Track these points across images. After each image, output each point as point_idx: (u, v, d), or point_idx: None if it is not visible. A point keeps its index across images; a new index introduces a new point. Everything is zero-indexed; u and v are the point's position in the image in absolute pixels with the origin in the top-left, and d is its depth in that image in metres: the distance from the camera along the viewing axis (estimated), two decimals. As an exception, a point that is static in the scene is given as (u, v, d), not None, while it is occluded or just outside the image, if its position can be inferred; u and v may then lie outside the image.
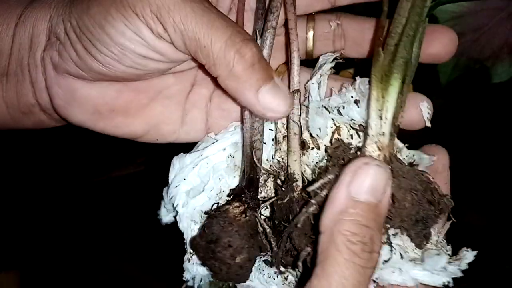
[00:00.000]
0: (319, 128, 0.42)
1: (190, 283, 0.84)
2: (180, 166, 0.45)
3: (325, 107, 0.43)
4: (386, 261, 0.38)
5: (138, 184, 0.90)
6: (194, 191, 0.44)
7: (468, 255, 0.39)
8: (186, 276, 0.44)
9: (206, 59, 0.36)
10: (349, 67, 0.57)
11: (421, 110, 0.42)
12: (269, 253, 0.41)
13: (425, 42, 0.41)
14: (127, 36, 0.36)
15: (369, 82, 0.40)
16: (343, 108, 0.42)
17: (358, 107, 0.41)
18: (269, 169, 0.44)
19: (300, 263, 0.38)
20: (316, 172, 0.41)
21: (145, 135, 0.45)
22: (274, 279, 0.42)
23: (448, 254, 0.39)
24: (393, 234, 0.39)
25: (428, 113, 0.42)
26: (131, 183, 0.90)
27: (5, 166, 0.83)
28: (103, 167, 0.92)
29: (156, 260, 0.84)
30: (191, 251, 0.42)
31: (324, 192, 0.37)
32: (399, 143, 0.41)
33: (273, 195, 0.44)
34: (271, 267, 0.42)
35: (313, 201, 0.37)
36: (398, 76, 0.38)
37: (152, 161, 0.92)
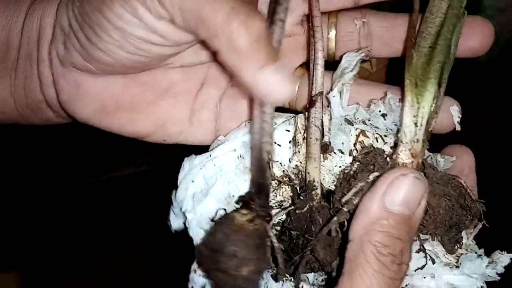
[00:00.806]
0: (342, 143, 0.40)
1: (190, 283, 0.84)
2: (189, 167, 0.43)
3: (348, 120, 0.41)
4: (420, 268, 0.37)
5: (138, 184, 0.91)
6: (199, 195, 0.42)
7: (504, 258, 0.38)
8: (191, 286, 0.42)
9: (206, 32, 0.32)
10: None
11: (451, 114, 0.41)
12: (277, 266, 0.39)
13: (463, 35, 0.39)
14: (125, 19, 0.34)
15: (402, 86, 0.38)
16: (368, 120, 0.41)
17: (385, 119, 0.40)
18: (283, 174, 0.41)
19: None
20: (342, 178, 0.39)
21: (152, 135, 0.43)
22: None
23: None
24: (424, 239, 0.38)
25: (459, 116, 0.41)
26: (131, 183, 0.90)
27: (5, 165, 0.83)
28: (103, 167, 0.92)
29: (156, 260, 0.84)
30: (196, 266, 0.41)
31: (356, 200, 0.35)
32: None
33: (289, 198, 0.42)
34: (276, 281, 0.39)
35: (345, 209, 0.36)
36: (434, 80, 0.37)
37: (152, 161, 0.92)
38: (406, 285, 0.37)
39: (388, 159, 0.38)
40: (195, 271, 0.41)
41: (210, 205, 0.41)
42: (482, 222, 0.39)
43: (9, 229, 0.83)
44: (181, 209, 0.42)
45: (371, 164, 0.38)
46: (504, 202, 0.92)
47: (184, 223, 0.42)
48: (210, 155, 0.41)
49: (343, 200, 0.36)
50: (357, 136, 0.40)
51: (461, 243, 0.38)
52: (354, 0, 0.42)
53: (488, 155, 0.95)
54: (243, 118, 0.43)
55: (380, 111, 0.41)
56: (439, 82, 0.37)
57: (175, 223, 0.43)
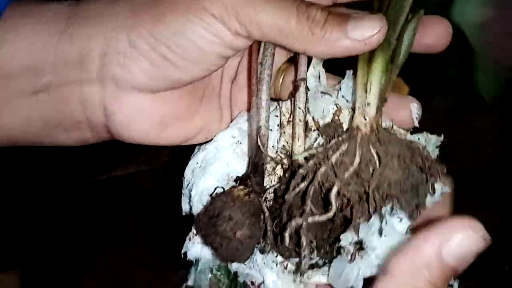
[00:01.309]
0: (322, 110, 0.44)
1: (190, 284, 0.84)
2: (197, 151, 0.46)
3: (325, 92, 0.45)
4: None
5: (139, 184, 0.90)
6: (197, 170, 0.44)
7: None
8: (187, 254, 0.44)
9: (287, 38, 0.38)
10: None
11: (411, 111, 0.44)
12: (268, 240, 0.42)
13: (419, 32, 0.43)
14: (208, 39, 0.38)
15: (357, 64, 0.42)
16: (343, 91, 0.44)
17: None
18: (275, 156, 0.45)
19: (286, 235, 0.39)
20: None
21: (197, 136, 0.46)
22: (272, 268, 0.42)
23: None
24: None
25: (417, 113, 0.44)
26: (132, 183, 0.90)
27: (5, 165, 0.83)
28: (103, 167, 0.92)
29: (156, 260, 0.84)
30: (194, 232, 0.43)
31: (310, 163, 0.40)
32: (401, 130, 0.43)
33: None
34: (262, 253, 0.42)
35: (301, 170, 0.40)
36: (381, 54, 0.40)
37: (153, 161, 0.92)
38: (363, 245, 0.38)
39: (346, 127, 0.42)
40: (189, 239, 0.43)
41: (210, 182, 0.44)
42: (446, 186, 0.40)
43: (9, 229, 0.83)
44: (189, 191, 0.44)
45: (332, 136, 0.42)
46: (505, 200, 0.92)
47: (190, 204, 0.45)
48: (213, 140, 0.46)
49: (294, 157, 0.41)
50: (334, 114, 0.44)
51: (420, 209, 0.38)
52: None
53: (490, 152, 0.95)
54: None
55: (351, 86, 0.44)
56: (387, 59, 0.41)
57: (185, 205, 0.46)
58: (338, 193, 0.38)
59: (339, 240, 0.40)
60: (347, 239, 0.39)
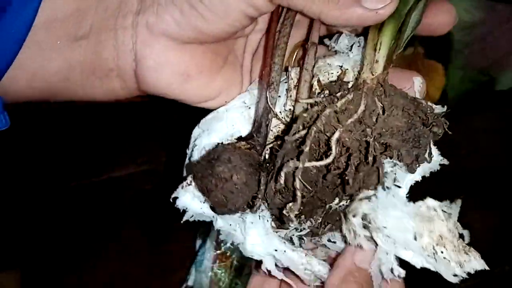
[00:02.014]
0: (327, 73, 0.45)
1: (190, 284, 0.84)
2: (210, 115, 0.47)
3: (337, 51, 0.46)
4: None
5: (139, 184, 0.90)
6: (204, 124, 0.46)
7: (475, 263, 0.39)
8: (176, 201, 0.43)
9: (305, 1, 0.41)
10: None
11: (413, 84, 0.45)
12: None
13: (426, 14, 0.45)
14: None
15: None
16: (351, 49, 0.45)
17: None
18: (280, 118, 0.45)
19: (282, 174, 0.38)
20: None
21: (218, 97, 0.47)
22: (258, 229, 0.42)
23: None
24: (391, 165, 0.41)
25: (420, 86, 0.45)
26: (132, 183, 0.90)
27: (5, 165, 0.83)
28: (103, 167, 0.92)
29: (156, 260, 0.84)
30: (189, 180, 0.42)
31: (314, 108, 0.40)
32: None
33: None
34: (252, 211, 0.42)
35: (304, 114, 0.40)
36: (392, 22, 0.42)
37: (153, 161, 0.92)
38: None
39: (351, 82, 0.43)
40: (182, 187, 0.42)
41: (213, 139, 0.45)
42: (444, 160, 0.42)
43: (9, 229, 0.83)
44: (193, 145, 0.45)
45: (337, 88, 0.43)
46: (505, 200, 0.92)
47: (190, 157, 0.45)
48: (225, 102, 0.47)
49: (298, 104, 0.42)
50: (338, 76, 0.45)
51: (420, 159, 0.39)
52: (328, 29, 0.48)
53: (490, 152, 0.95)
54: None
55: (360, 43, 0.46)
56: (397, 26, 0.42)
57: (187, 160, 0.46)
58: (339, 140, 0.38)
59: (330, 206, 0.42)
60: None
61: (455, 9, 0.46)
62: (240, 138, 0.44)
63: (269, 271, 0.42)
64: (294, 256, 0.42)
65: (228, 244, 0.44)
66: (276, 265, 0.42)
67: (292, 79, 0.46)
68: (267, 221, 0.42)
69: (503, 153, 0.96)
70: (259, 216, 0.42)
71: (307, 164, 0.37)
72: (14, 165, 0.87)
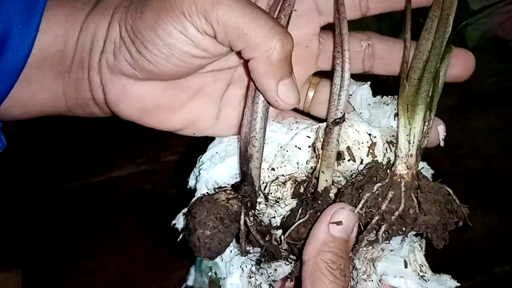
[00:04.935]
0: (357, 142, 0.47)
1: (190, 284, 0.84)
2: (219, 141, 0.50)
3: (362, 119, 0.48)
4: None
5: (138, 184, 0.90)
6: (217, 157, 0.48)
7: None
8: (173, 223, 0.48)
9: (245, 44, 0.40)
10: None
11: (438, 132, 0.48)
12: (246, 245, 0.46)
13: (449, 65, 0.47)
14: (175, 36, 0.40)
15: (397, 112, 0.45)
16: (380, 119, 0.47)
17: (395, 120, 0.46)
18: (293, 174, 0.48)
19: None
20: (351, 186, 0.46)
21: (184, 129, 0.50)
22: (238, 271, 0.47)
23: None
24: (414, 234, 0.47)
25: (444, 134, 0.48)
26: (131, 183, 0.90)
27: (5, 165, 0.83)
28: (103, 167, 0.92)
29: (156, 260, 0.84)
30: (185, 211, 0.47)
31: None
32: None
33: (287, 197, 0.48)
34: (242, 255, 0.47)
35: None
36: (422, 106, 0.43)
37: (152, 161, 0.92)
38: (381, 276, 0.45)
39: (388, 171, 0.45)
40: (183, 214, 0.47)
41: (222, 172, 0.48)
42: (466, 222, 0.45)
43: (10, 229, 0.83)
44: (199, 169, 0.49)
45: (374, 176, 0.45)
46: (505, 200, 0.92)
47: (196, 181, 0.49)
48: (194, 135, 0.50)
49: (357, 208, 0.43)
50: (369, 147, 0.47)
51: (446, 240, 0.44)
52: (361, 12, 0.48)
53: (490, 152, 0.95)
54: None
55: (387, 111, 0.47)
56: (429, 107, 0.44)
57: (192, 181, 0.50)
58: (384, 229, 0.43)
59: None
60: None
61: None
62: (232, 185, 0.46)
63: None
64: None
65: (212, 273, 0.48)
66: None
67: (319, 140, 0.47)
68: (247, 266, 0.47)
69: (503, 153, 0.96)
70: (243, 262, 0.47)
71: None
72: (13, 165, 0.87)
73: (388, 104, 0.47)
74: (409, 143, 0.44)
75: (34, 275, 0.80)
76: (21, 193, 0.87)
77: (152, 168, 0.91)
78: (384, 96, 0.48)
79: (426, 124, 0.45)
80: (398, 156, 0.44)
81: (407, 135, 0.44)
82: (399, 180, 0.43)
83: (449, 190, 0.44)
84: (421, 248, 0.47)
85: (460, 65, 0.48)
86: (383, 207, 0.42)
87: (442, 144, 0.48)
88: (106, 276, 0.82)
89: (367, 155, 0.47)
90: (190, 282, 0.81)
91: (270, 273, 0.46)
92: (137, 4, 0.42)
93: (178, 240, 0.47)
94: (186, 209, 0.46)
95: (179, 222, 0.47)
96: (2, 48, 0.43)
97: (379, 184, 0.43)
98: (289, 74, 0.42)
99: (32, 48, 0.44)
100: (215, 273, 0.50)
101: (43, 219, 0.86)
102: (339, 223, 0.41)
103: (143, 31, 0.41)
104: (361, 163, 0.47)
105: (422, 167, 0.48)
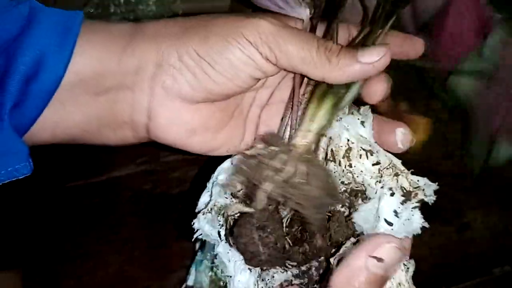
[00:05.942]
0: (339, 146, 0.50)
1: (190, 284, 0.84)
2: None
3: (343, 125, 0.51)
4: None
5: (138, 184, 0.90)
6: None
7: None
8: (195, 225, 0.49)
9: (307, 66, 0.45)
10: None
11: (395, 134, 0.50)
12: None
13: (397, 45, 0.50)
14: (242, 60, 0.45)
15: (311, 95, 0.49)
16: (352, 126, 0.50)
17: (364, 127, 0.50)
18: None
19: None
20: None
21: (220, 148, 0.52)
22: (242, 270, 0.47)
23: None
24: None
25: (402, 136, 0.49)
26: (131, 183, 0.90)
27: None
28: (103, 167, 0.92)
29: (156, 260, 0.84)
30: (209, 208, 0.49)
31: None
32: (400, 166, 0.49)
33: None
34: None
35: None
36: (331, 98, 0.48)
37: (152, 161, 0.92)
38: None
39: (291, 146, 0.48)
40: (203, 214, 0.49)
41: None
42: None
43: (10, 229, 0.83)
44: (212, 184, 0.51)
45: (275, 154, 0.47)
46: (505, 200, 0.92)
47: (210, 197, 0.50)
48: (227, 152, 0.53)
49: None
50: (345, 151, 0.49)
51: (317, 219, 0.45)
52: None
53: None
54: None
55: (358, 119, 0.51)
56: (336, 104, 0.48)
57: (205, 198, 0.51)
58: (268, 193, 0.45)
59: None
60: None
61: (460, 80, 0.51)
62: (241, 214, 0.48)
63: None
64: None
65: (219, 270, 0.49)
66: None
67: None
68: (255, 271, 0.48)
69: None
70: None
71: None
72: (13, 165, 0.87)
73: (361, 114, 0.51)
74: (311, 122, 0.48)
75: (34, 275, 0.80)
76: (21, 193, 0.87)
77: (152, 168, 0.91)
78: (353, 105, 0.52)
79: (330, 116, 0.48)
80: (298, 130, 0.48)
81: (312, 115, 0.48)
82: (291, 148, 0.47)
83: (331, 173, 0.48)
84: (407, 269, 0.45)
85: (411, 46, 0.51)
86: (272, 164, 0.45)
87: (400, 146, 0.50)
88: (106, 276, 0.82)
89: (343, 157, 0.50)
90: (190, 282, 0.81)
91: (268, 279, 0.46)
92: (195, 30, 0.46)
93: (194, 237, 0.48)
94: (205, 209, 0.48)
95: (202, 223, 0.49)
96: (38, 70, 0.44)
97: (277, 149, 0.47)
98: (355, 54, 0.45)
99: (67, 70, 0.45)
100: (215, 273, 0.50)
101: (43, 219, 0.86)
102: (380, 259, 0.38)
103: (211, 54, 0.45)
104: (339, 164, 0.50)
105: (424, 184, 0.48)
